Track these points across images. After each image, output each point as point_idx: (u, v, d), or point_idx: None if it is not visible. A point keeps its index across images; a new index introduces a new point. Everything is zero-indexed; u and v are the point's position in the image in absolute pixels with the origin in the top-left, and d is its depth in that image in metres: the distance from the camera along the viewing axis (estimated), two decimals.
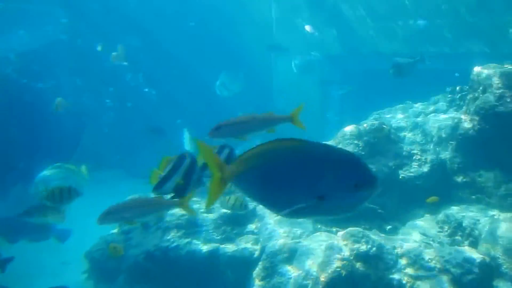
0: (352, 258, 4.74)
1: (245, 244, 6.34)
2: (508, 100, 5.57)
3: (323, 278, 4.64)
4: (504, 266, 4.54)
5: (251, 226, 6.69)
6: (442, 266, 4.47)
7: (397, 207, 6.65)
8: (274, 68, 15.54)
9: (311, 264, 5.00)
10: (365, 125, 7.33)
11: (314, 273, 4.81)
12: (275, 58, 15.19)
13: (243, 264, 6.08)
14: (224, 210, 6.60)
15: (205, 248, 6.38)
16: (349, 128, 7.33)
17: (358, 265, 4.70)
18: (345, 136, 7.15)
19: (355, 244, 4.84)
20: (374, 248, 4.79)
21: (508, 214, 5.15)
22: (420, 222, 6.17)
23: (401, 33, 13.12)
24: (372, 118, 9.52)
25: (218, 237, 6.57)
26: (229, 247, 6.36)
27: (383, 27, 13.38)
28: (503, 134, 5.66)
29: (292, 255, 5.51)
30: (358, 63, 14.09)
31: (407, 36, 13.00)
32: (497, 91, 5.66)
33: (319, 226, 6.53)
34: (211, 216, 6.83)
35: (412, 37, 12.70)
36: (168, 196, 3.35)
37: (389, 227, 6.32)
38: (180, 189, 3.16)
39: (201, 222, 6.76)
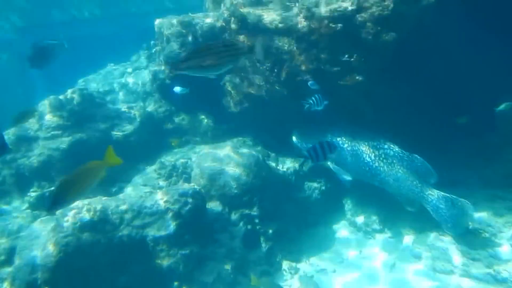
0: (76, 231, 4.50)
1: None
2: (189, 46, 6.17)
3: (49, 264, 4.29)
4: (212, 190, 5.25)
5: None
6: (164, 207, 4.78)
7: (119, 167, 6.64)
8: None
9: (36, 255, 4.54)
10: (66, 95, 6.87)
11: (40, 263, 4.39)
12: None
13: None
14: None
15: None
16: (48, 101, 6.72)
17: (85, 235, 4.52)
18: (45, 111, 6.55)
19: (76, 216, 4.60)
20: (98, 213, 4.67)
21: (209, 146, 5.88)
22: (142, 175, 6.39)
23: None
24: (77, 86, 9.08)
25: None
26: None
27: None
28: (190, 77, 6.29)
29: (11, 253, 4.93)
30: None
31: None
32: (178, 39, 6.19)
33: (37, 212, 6.00)
34: None
35: None
36: None
37: (115, 189, 6.30)
38: None
39: None
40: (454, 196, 4.69)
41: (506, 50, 4.57)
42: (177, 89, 5.88)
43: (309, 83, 4.90)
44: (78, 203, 4.71)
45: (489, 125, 5.19)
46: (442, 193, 4.73)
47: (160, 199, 4.86)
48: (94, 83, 9.63)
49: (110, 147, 3.30)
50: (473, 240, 4.81)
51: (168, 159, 6.17)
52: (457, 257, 4.73)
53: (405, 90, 4.77)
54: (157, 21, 6.72)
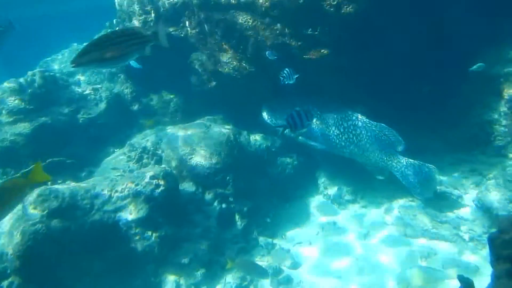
0: (45, 218, 4.41)
1: None
2: (152, 24, 5.99)
3: (18, 252, 4.20)
4: (184, 171, 5.21)
5: None
6: (135, 190, 4.71)
7: (87, 151, 6.52)
8: None
9: (3, 244, 4.45)
10: (26, 77, 6.60)
11: (8, 252, 4.30)
12: None
13: None
14: None
15: None
16: (8, 84, 6.46)
17: (54, 222, 4.42)
18: (5, 94, 6.29)
19: (44, 203, 4.49)
20: (67, 199, 4.57)
21: (179, 126, 5.79)
22: (111, 158, 6.28)
23: None
24: (38, 68, 8.72)
25: None
26: None
27: None
28: (156, 56, 6.14)
29: None
30: None
31: None
32: (140, 17, 5.99)
33: None
34: None
35: None
36: None
37: (84, 173, 6.18)
38: None
39: None
40: (421, 162, 4.89)
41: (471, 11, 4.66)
42: (133, 63, 5.72)
43: (267, 53, 4.86)
44: (44, 190, 4.60)
45: (454, 90, 5.31)
46: (410, 160, 4.91)
47: (132, 182, 4.79)
48: (56, 64, 9.27)
49: (38, 164, 3.07)
50: (441, 203, 5.01)
51: (138, 141, 6.06)
52: (426, 221, 4.90)
53: (368, 62, 4.81)
54: None
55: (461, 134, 5.33)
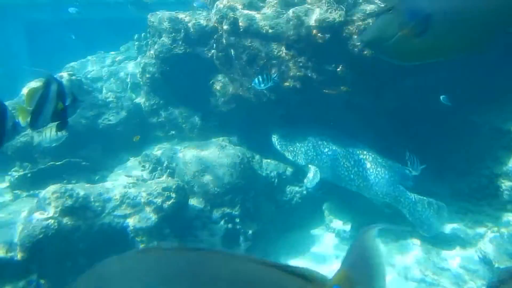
0: (57, 215, 4.55)
1: None
2: (180, 42, 6.25)
3: (28, 243, 4.33)
4: (195, 187, 5.35)
5: None
6: (146, 199, 4.85)
7: (103, 156, 6.72)
8: None
9: (15, 233, 4.58)
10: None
11: (18, 242, 4.44)
12: None
13: None
14: None
15: None
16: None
17: (66, 219, 4.56)
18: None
19: (58, 200, 4.64)
20: (80, 199, 4.72)
21: (195, 143, 5.97)
22: (125, 166, 6.45)
23: None
24: (66, 70, 9.02)
25: None
26: None
27: None
28: (181, 73, 6.39)
29: None
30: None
31: None
32: (170, 35, 6.26)
33: (18, 192, 6.01)
34: None
35: None
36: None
37: (97, 177, 6.35)
38: (61, 114, 3.03)
39: None
40: (430, 199, 4.98)
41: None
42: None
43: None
44: (60, 187, 4.76)
45: (465, 140, 5.44)
46: (418, 196, 5.00)
47: (144, 191, 4.93)
48: (82, 69, 9.57)
49: None
50: (443, 250, 5.05)
51: (153, 152, 6.23)
52: (427, 266, 4.93)
53: (382, 102, 4.98)
54: (150, 15, 6.78)
55: (468, 184, 5.42)
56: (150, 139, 6.87)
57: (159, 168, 5.91)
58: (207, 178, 5.31)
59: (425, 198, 4.99)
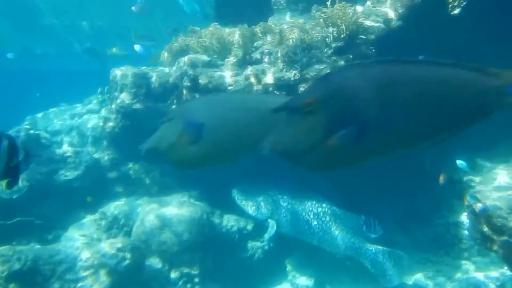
0: (3, 281, 4.27)
1: None
2: (142, 98, 6.27)
3: None
4: (153, 245, 5.19)
5: None
6: (99, 261, 4.64)
7: (58, 213, 6.45)
8: None
9: None
10: (10, 133, 6.69)
11: None
12: None
13: None
14: None
15: None
16: None
17: (12, 286, 4.29)
18: None
19: (5, 264, 4.37)
20: (28, 263, 4.47)
21: (154, 199, 5.85)
22: (81, 224, 6.20)
23: None
24: (25, 123, 8.83)
25: None
26: None
27: None
28: (142, 128, 6.36)
29: None
30: None
31: None
32: (132, 90, 6.29)
33: None
34: None
35: None
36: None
37: (51, 236, 6.06)
38: (13, 171, 2.77)
39: None
40: (391, 249, 5.00)
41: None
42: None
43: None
44: (8, 250, 4.50)
45: (422, 189, 5.58)
46: (379, 247, 5.01)
47: (97, 252, 4.73)
48: (42, 122, 9.38)
49: None
50: None
51: (110, 209, 6.04)
52: None
53: None
54: (113, 70, 6.82)
55: (428, 233, 5.51)
56: (108, 195, 6.66)
57: (115, 227, 5.72)
58: (166, 236, 5.16)
59: (385, 248, 5.01)
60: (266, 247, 5.72)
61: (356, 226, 5.13)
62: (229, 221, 5.79)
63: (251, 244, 5.72)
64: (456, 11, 5.00)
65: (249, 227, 5.78)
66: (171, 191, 6.08)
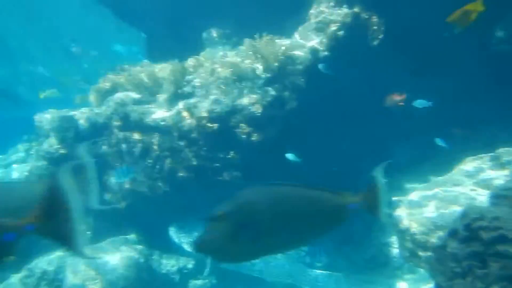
0: None
1: None
2: (70, 142, 6.01)
3: None
4: None
5: None
6: None
7: None
8: None
9: None
10: None
11: None
12: None
13: None
14: None
15: None
16: None
17: None
18: None
19: None
20: None
21: (88, 246, 5.47)
22: (7, 284, 5.64)
23: None
24: None
25: None
26: None
27: None
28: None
29: None
30: None
31: None
32: (59, 134, 6.01)
33: None
34: None
35: None
36: None
37: None
38: None
39: None
40: (329, 272, 5.10)
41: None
42: None
43: None
44: None
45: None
46: (317, 271, 5.11)
47: None
48: None
49: None
50: None
51: (38, 264, 5.56)
52: None
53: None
54: (38, 115, 6.52)
55: (362, 255, 5.59)
56: (37, 248, 6.17)
57: (43, 284, 5.25)
58: (100, 285, 4.82)
59: (324, 272, 5.05)
60: (208, 285, 5.52)
61: (296, 254, 5.13)
62: (169, 262, 5.56)
63: (192, 283, 5.50)
64: (375, 43, 5.35)
65: (190, 265, 5.58)
66: (106, 236, 5.74)
